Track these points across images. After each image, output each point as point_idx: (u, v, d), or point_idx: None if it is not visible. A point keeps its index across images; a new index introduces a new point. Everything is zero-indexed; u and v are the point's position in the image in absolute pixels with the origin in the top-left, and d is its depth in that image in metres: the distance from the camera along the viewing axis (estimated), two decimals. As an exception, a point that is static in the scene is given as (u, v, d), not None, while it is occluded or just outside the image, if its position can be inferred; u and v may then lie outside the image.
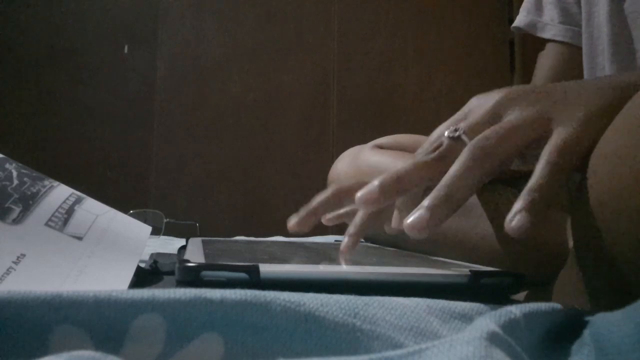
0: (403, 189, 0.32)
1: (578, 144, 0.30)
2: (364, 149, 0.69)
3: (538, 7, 0.68)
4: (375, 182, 0.31)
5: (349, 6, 1.84)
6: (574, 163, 0.30)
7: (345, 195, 0.43)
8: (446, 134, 0.33)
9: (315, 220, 0.41)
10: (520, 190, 0.30)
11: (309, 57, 1.81)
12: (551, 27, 0.66)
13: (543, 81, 0.67)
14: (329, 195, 0.46)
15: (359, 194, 0.31)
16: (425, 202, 0.30)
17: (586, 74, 0.60)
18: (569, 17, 0.65)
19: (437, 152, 0.33)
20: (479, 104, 0.35)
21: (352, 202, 0.39)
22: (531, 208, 0.28)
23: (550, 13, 0.66)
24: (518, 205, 0.29)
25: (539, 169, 0.30)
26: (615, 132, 0.28)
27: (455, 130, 0.33)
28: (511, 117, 0.32)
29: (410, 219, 0.29)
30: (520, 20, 0.69)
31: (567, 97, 0.32)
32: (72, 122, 1.68)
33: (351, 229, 0.42)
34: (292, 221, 0.41)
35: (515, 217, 0.28)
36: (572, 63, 0.64)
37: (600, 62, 0.58)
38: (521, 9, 0.69)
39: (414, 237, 0.29)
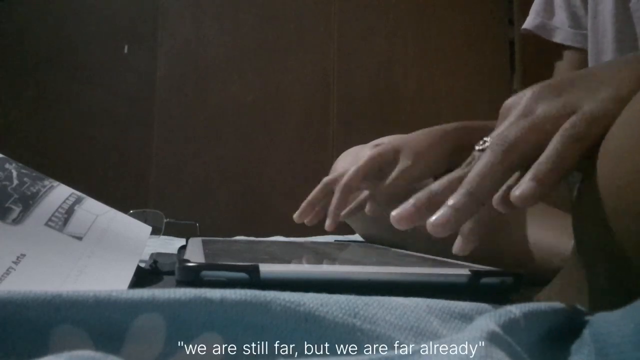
0: (437, 205, 0.30)
1: (600, 117, 0.29)
2: (364, 148, 0.69)
3: (548, 9, 0.67)
4: (411, 201, 0.31)
5: (349, 6, 1.84)
6: (596, 134, 0.29)
7: (333, 184, 0.46)
8: (476, 147, 0.33)
9: (314, 211, 0.44)
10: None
11: (309, 57, 1.81)
12: (561, 31, 0.66)
13: None
14: (321, 187, 0.54)
15: (393, 213, 0.30)
16: (450, 201, 0.29)
17: None
18: (578, 21, 0.64)
19: (467, 166, 0.32)
20: (508, 107, 0.34)
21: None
22: (539, 178, 0.27)
23: (560, 16, 0.66)
24: (527, 175, 0.28)
25: (553, 141, 0.29)
26: (618, 130, 0.28)
27: (484, 141, 0.32)
28: (538, 111, 0.31)
29: (434, 218, 0.29)
30: (529, 22, 0.68)
31: (592, 84, 0.31)
32: (72, 122, 1.68)
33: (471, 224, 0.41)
34: (296, 214, 0.44)
35: (519, 186, 0.28)
36: (580, 67, 0.64)
37: (604, 60, 0.58)
38: (531, 11, 0.69)
39: (437, 236, 0.29)
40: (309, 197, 0.58)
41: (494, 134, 0.32)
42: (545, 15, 0.67)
